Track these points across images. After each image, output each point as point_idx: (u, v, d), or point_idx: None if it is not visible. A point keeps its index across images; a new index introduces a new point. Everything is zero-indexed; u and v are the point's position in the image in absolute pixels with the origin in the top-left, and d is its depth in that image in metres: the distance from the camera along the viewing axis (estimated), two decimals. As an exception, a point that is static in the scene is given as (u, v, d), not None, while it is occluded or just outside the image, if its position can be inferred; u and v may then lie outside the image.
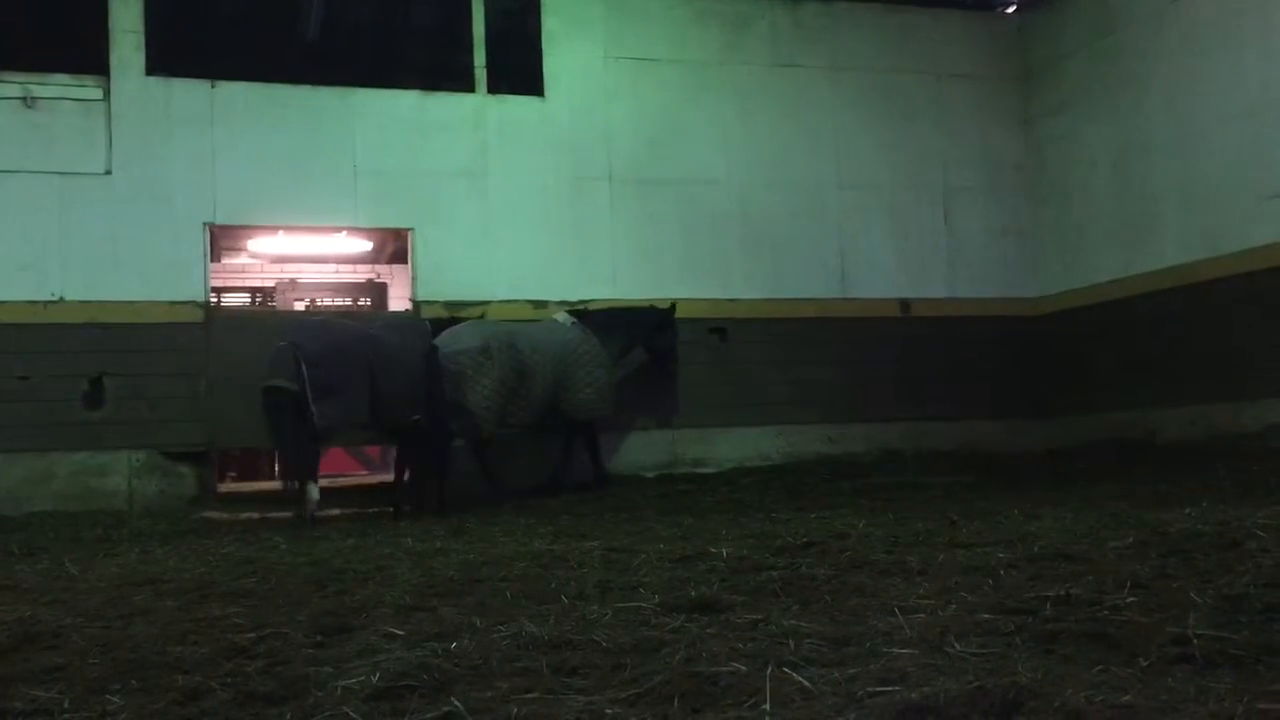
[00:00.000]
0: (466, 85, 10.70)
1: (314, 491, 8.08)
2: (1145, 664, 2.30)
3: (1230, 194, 9.50)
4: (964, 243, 11.71)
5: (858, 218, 11.48)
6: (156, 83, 9.90)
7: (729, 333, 10.86)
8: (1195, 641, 2.39)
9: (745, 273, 11.03)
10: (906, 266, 11.39)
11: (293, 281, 14.55)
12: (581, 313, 9.79)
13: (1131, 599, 2.96)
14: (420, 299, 10.34)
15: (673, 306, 9.98)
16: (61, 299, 9.48)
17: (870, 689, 2.17)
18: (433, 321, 9.48)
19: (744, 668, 2.39)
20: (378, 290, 15.01)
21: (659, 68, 11.16)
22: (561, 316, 9.73)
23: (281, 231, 12.00)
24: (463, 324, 9.44)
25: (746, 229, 11.17)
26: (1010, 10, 12.32)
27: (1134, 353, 10.50)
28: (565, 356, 9.31)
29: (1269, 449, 8.66)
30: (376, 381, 8.28)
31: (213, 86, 10.07)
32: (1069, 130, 11.53)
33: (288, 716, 2.27)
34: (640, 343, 9.99)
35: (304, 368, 8.03)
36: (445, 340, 8.95)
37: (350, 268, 15.09)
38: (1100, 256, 11.05)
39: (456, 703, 2.22)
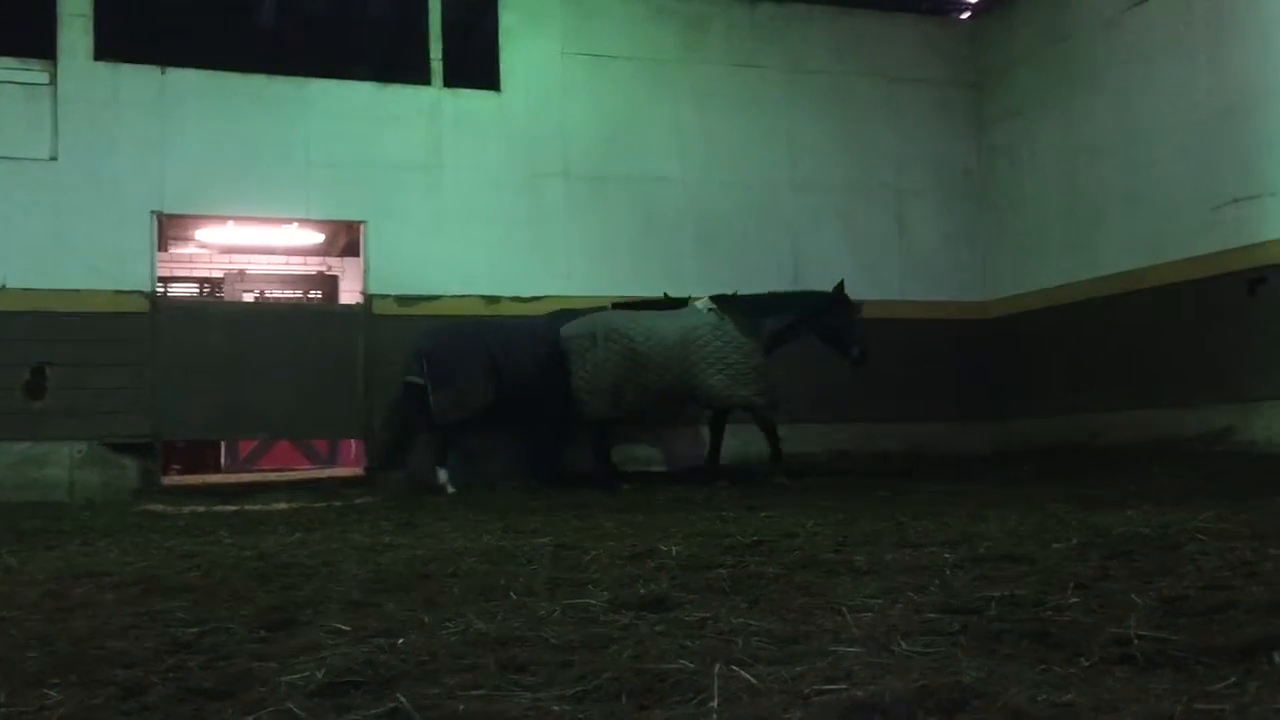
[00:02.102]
0: (422, 78, 10.64)
1: (442, 475, 9.30)
2: (1087, 664, 2.33)
3: (1177, 202, 9.67)
4: (916, 245, 11.82)
5: (811, 218, 11.55)
6: (105, 68, 9.74)
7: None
8: (1136, 642, 2.42)
9: (699, 271, 11.05)
10: (859, 267, 11.45)
11: (241, 273, 14.41)
12: (727, 298, 9.46)
13: (1074, 599, 3.00)
14: (372, 292, 10.27)
15: (840, 284, 9.45)
16: (3, 286, 9.31)
17: (817, 687, 2.18)
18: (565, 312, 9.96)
19: (692, 665, 2.39)
20: (328, 283, 14.90)
21: (616, 64, 11.16)
22: (702, 303, 9.47)
23: (231, 222, 11.88)
24: (591, 313, 9.65)
25: (701, 227, 11.20)
26: (964, 16, 12.45)
27: (1080, 357, 10.65)
28: (688, 343, 9.09)
29: (1209, 453, 8.82)
30: (500, 370, 9.31)
31: (163, 73, 9.93)
32: (1020, 135, 11.67)
33: (229, 712, 2.24)
34: (806, 328, 9.45)
35: (424, 363, 9.31)
36: (565, 327, 9.42)
37: (301, 260, 14.95)
38: (1049, 261, 11.20)
39: (402, 699, 2.20)
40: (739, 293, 9.57)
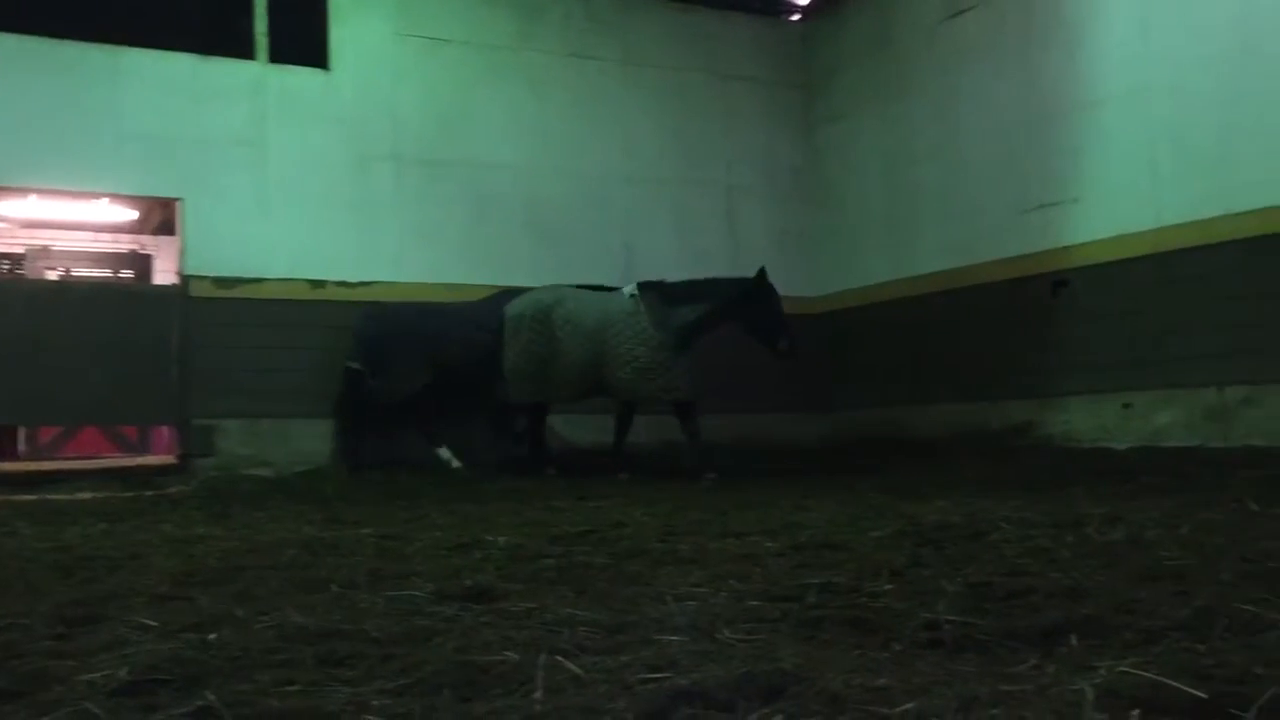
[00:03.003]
0: (246, 52, 10.24)
1: (444, 453, 9.63)
2: (899, 648, 2.41)
3: (988, 206, 10.13)
4: (745, 240, 12.04)
5: (644, 210, 11.64)
6: (-105, 25, 9.04)
7: (512, 320, 10.78)
8: (945, 627, 2.52)
9: (531, 260, 11.00)
10: (690, 261, 11.56)
11: (45, 249, 13.62)
12: (655, 284, 8.87)
13: (888, 586, 3.11)
14: (188, 273, 9.84)
15: (762, 271, 8.69)
16: None
17: (641, 676, 2.19)
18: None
19: (516, 656, 2.37)
20: (141, 262, 14.23)
21: (450, 48, 10.99)
22: (629, 288, 8.92)
23: (34, 195, 11.18)
24: (534, 290, 9.32)
25: (533, 216, 11.15)
26: (794, 18, 12.74)
27: (899, 353, 11.07)
28: (603, 331, 8.62)
29: (1013, 446, 9.29)
30: (433, 353, 9.46)
31: (-38, 35, 9.27)
32: (845, 137, 12.03)
33: (22, 714, 2.10)
34: (726, 317, 8.71)
35: (360, 348, 9.54)
36: (507, 307, 9.15)
37: (111, 237, 14.23)
38: (871, 259, 11.59)
39: (211, 697, 2.11)
40: (665, 279, 9.02)
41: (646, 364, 8.49)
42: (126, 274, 14.14)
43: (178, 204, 10.01)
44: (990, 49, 10.19)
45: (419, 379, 9.54)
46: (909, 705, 1.93)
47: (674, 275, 9.70)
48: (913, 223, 11.10)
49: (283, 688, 2.22)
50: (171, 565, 4.07)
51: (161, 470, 9.61)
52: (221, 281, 9.83)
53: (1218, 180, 8.08)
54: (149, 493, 8.06)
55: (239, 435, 9.73)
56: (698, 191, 11.97)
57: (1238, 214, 7.92)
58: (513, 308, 9.10)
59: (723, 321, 8.70)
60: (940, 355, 10.56)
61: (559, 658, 2.35)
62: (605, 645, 2.52)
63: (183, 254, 9.94)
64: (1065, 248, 9.33)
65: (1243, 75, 7.96)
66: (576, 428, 10.59)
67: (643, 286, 8.80)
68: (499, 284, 10.70)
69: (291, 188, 10.22)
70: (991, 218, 10.07)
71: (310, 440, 9.89)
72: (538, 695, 2.10)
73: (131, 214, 13.02)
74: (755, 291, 8.61)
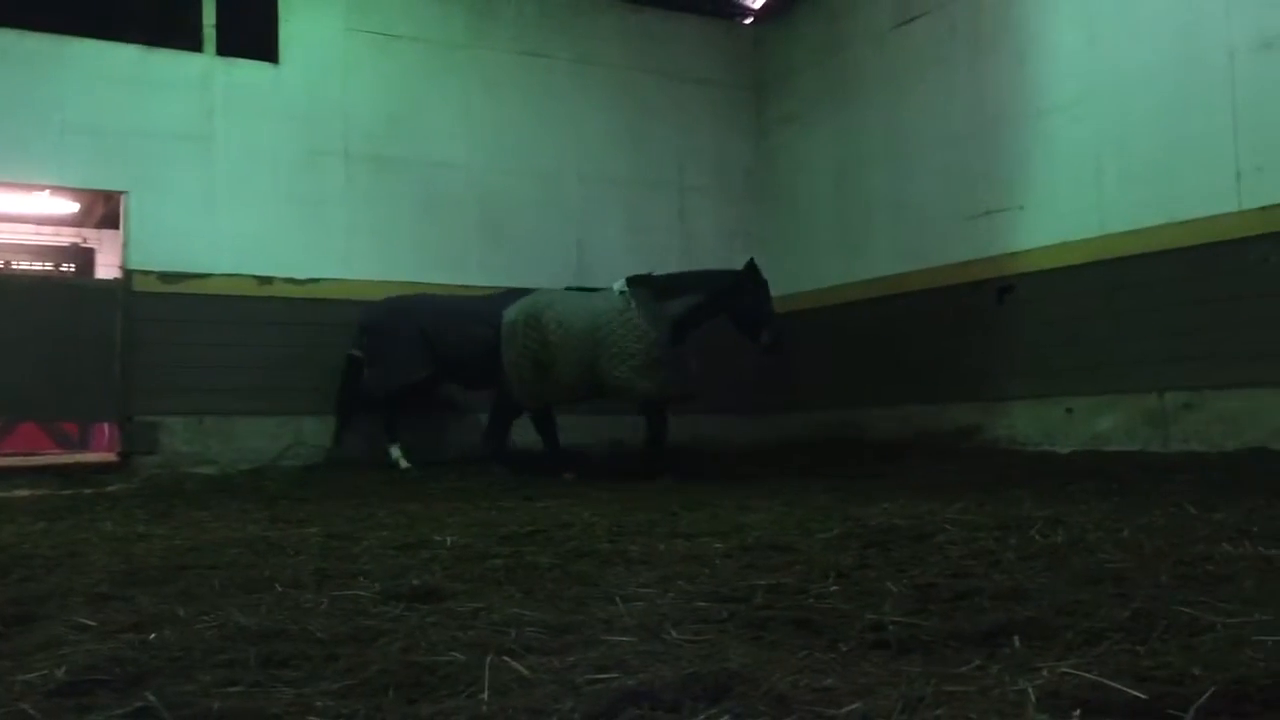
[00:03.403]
0: (194, 44, 10.10)
1: (394, 451, 9.61)
2: (845, 649, 2.43)
3: (937, 211, 10.24)
4: (697, 241, 12.07)
5: (596, 210, 11.64)
6: None
7: (463, 319, 10.74)
8: (890, 628, 2.54)
9: (482, 259, 10.96)
10: (642, 261, 11.53)
11: (-16, 241, 13.36)
12: (640, 279, 8.62)
13: (835, 588, 3.13)
14: (132, 267, 9.69)
15: (751, 262, 8.46)
16: None
17: (589, 676, 2.19)
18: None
19: (463, 657, 2.36)
20: (83, 256, 13.99)
21: (402, 45, 10.91)
22: (618, 284, 8.66)
23: (-28, 186, 10.95)
24: (530, 294, 9.15)
25: (485, 215, 11.11)
26: (747, 21, 12.80)
27: (849, 355, 11.14)
28: (595, 330, 8.38)
29: (960, 449, 9.40)
30: (433, 348, 9.48)
31: (-103, 20, 9.06)
32: (797, 140, 12.10)
33: (-46, 717, 2.06)
34: (715, 310, 8.45)
35: (363, 337, 9.62)
36: (506, 310, 9.07)
37: (53, 230, 13.98)
38: (823, 262, 11.66)
39: (151, 698, 2.07)
40: (653, 273, 8.83)
41: (644, 361, 8.25)
42: (68, 268, 13.89)
43: (122, 197, 9.85)
44: (940, 56, 10.30)
45: (416, 372, 9.54)
46: (854, 705, 1.94)
47: (628, 274, 9.71)
48: (864, 226, 11.19)
49: (225, 688, 2.20)
50: (111, 564, 4.01)
51: (102, 468, 9.45)
52: (166, 276, 9.69)
53: (1160, 189, 8.22)
54: (88, 491, 7.92)
55: (183, 433, 9.60)
56: (650, 192, 11.98)
57: (1180, 222, 8.07)
58: (508, 313, 8.96)
59: (713, 314, 8.48)
60: (891, 358, 10.65)
61: (506, 658, 2.34)
62: (552, 646, 2.51)
63: (126, 248, 9.78)
64: (1011, 254, 9.44)
65: (1186, 86, 8.11)
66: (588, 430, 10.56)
67: (632, 282, 8.58)
68: (450, 283, 10.67)
69: (239, 183, 10.10)
70: (940, 223, 10.18)
71: (256, 438, 9.79)
72: (484, 696, 2.09)
73: (74, 207, 12.80)
74: (745, 283, 8.38)
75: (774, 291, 12.00)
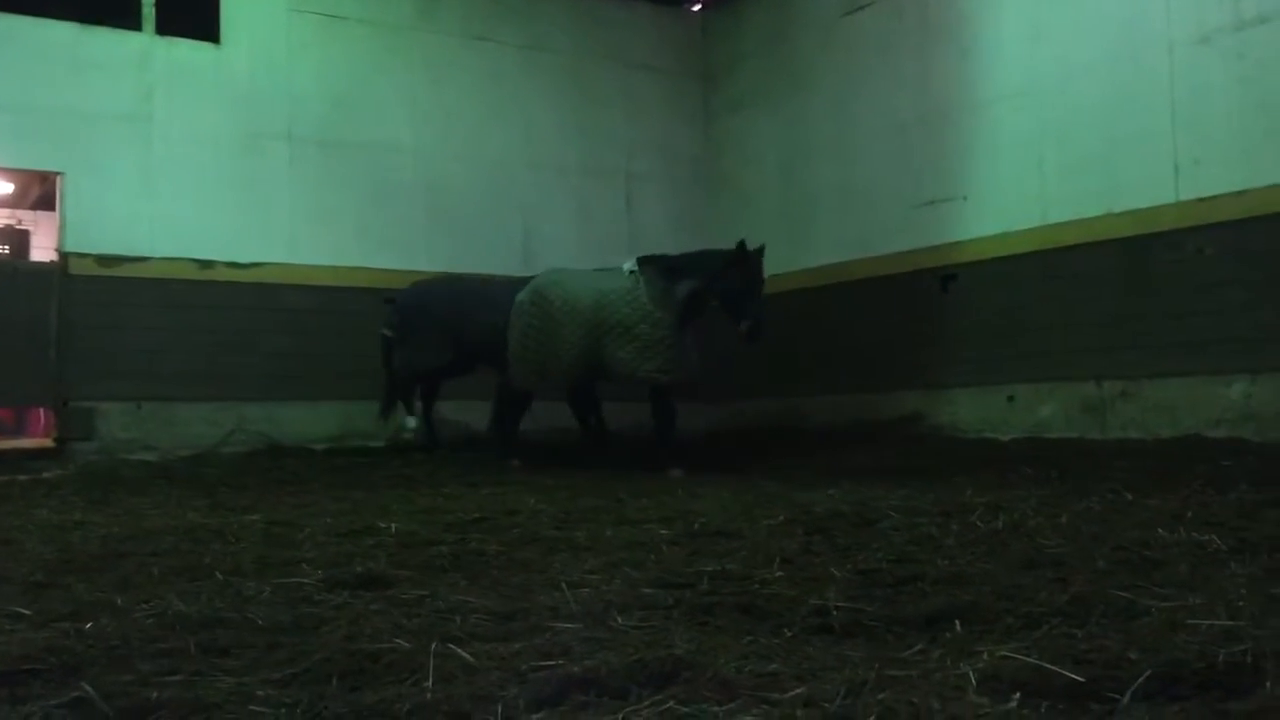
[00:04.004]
0: (132, 22, 9.89)
1: (410, 421, 9.91)
2: (790, 634, 2.45)
3: (881, 200, 10.31)
4: (644, 228, 12.07)
5: (543, 197, 11.59)
6: None
7: (409, 305, 10.65)
8: (834, 613, 2.57)
9: (428, 245, 10.88)
10: (589, 248, 11.58)
11: (-87, 221, 13.02)
12: (655, 258, 8.20)
13: (780, 573, 3.15)
14: (68, 250, 9.48)
15: (741, 243, 7.84)
16: None
17: (534, 664, 2.19)
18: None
19: (407, 644, 2.35)
20: (18, 238, 13.69)
21: (348, 26, 10.77)
22: (629, 263, 8.28)
23: (-98, 164, 10.66)
24: (547, 271, 8.96)
25: (432, 200, 11.01)
26: (695, 9, 12.79)
27: (792, 343, 11.18)
28: (601, 309, 8.02)
29: (901, 436, 9.49)
30: (457, 331, 9.37)
31: None
32: (743, 128, 12.13)
33: (-118, 709, 2.01)
34: (713, 291, 7.92)
35: (395, 316, 9.69)
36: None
37: (-14, 211, 13.67)
38: (769, 250, 11.62)
39: (87, 687, 2.04)
40: (665, 254, 8.37)
41: (648, 342, 7.90)
42: (2, 250, 13.58)
43: (58, 178, 9.63)
44: (886, 46, 10.36)
45: (439, 356, 9.51)
46: (798, 690, 1.96)
47: (572, 263, 9.69)
48: (809, 215, 11.24)
49: (163, 678, 2.16)
50: (47, 552, 3.94)
51: (37, 454, 9.25)
52: (104, 259, 9.51)
53: (1101, 180, 8.35)
54: (23, 477, 7.75)
55: (120, 419, 9.44)
56: (598, 179, 11.96)
57: (1118, 214, 8.20)
58: (523, 291, 8.70)
59: (713, 296, 7.96)
60: (835, 346, 10.72)
61: (451, 645, 2.33)
62: (498, 633, 2.51)
63: (63, 230, 9.57)
64: (955, 243, 9.54)
65: (1127, 80, 8.23)
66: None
67: (642, 261, 8.21)
68: (397, 268, 10.57)
69: (179, 164, 9.92)
70: (884, 212, 10.25)
71: (196, 424, 9.65)
72: (428, 684, 2.08)
73: (8, 188, 12.51)
74: (735, 263, 7.84)
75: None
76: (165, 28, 9.98)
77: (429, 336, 9.51)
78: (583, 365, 8.23)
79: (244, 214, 10.13)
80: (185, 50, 10.06)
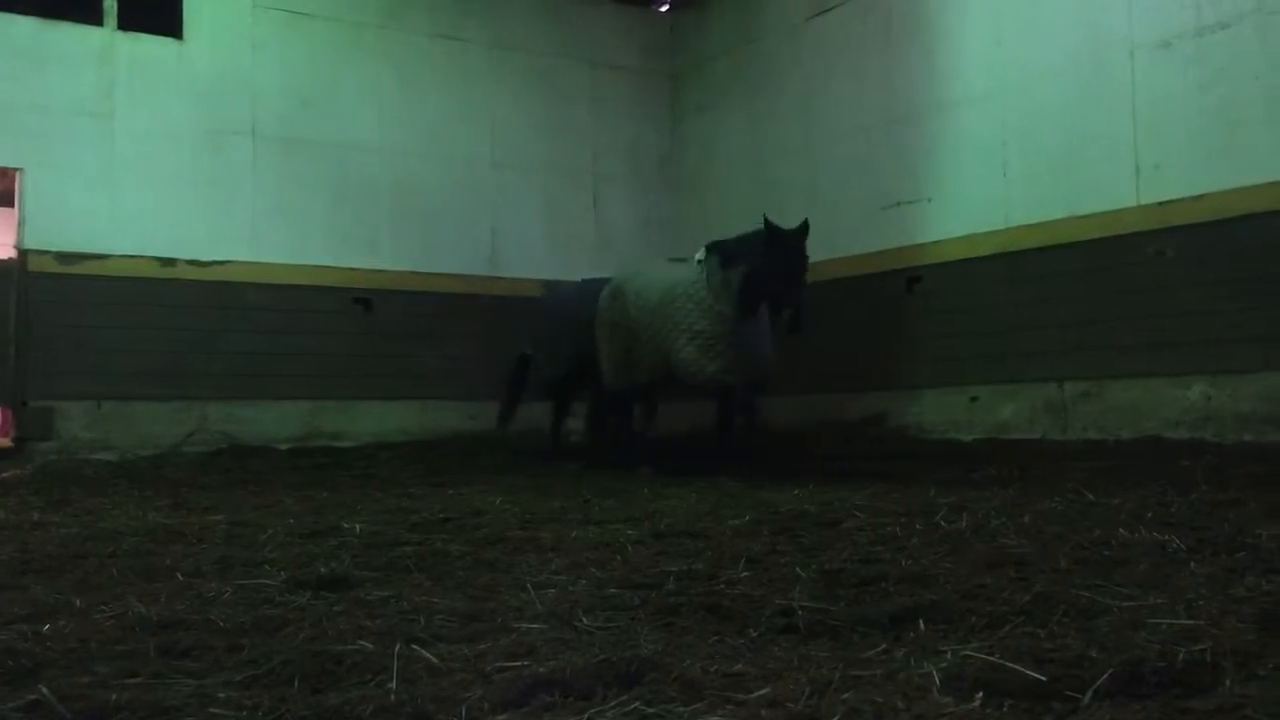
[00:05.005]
0: (94, 17, 9.76)
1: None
2: (755, 634, 2.45)
3: (847, 201, 10.36)
4: (610, 229, 12.07)
5: (510, 197, 11.55)
6: None
7: (374, 304, 10.60)
8: (799, 613, 2.57)
9: (394, 243, 10.82)
10: (555, 248, 11.59)
11: None
12: (717, 244, 7.42)
13: (745, 574, 3.16)
14: (27, 247, 9.35)
15: (765, 220, 7.09)
16: None
17: (499, 664, 2.18)
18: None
19: (371, 646, 2.33)
20: (-24, 234, 13.45)
21: (313, 24, 10.69)
22: (699, 252, 7.49)
23: None
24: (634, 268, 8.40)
25: (398, 199, 10.95)
26: (663, 9, 12.80)
27: (759, 344, 11.21)
28: (668, 303, 7.30)
29: (868, 436, 9.54)
30: (580, 337, 8.44)
31: None
32: (711, 129, 12.15)
33: None
34: (758, 276, 7.04)
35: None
36: None
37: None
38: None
39: (45, 690, 2.01)
40: (725, 237, 7.68)
41: (709, 340, 7.09)
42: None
43: (17, 174, 9.50)
44: (852, 48, 10.41)
45: (561, 365, 8.89)
46: (764, 690, 1.96)
47: (540, 263, 9.67)
48: (776, 215, 11.10)
49: (123, 680, 2.14)
50: (5, 553, 3.88)
51: (-6, 454, 9.14)
52: (64, 257, 9.38)
53: (1063, 184, 8.43)
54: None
55: (81, 418, 9.32)
56: (564, 178, 11.93)
57: (1080, 217, 8.28)
58: (603, 291, 8.24)
59: (759, 283, 7.07)
60: (800, 347, 10.72)
61: (415, 646, 2.32)
62: (463, 634, 2.49)
63: (22, 227, 9.43)
64: (919, 245, 9.59)
65: (1089, 84, 8.31)
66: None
67: (709, 249, 7.45)
68: (362, 267, 10.52)
69: (141, 161, 9.81)
70: (850, 214, 10.30)
71: (158, 424, 9.54)
72: (392, 685, 2.06)
73: (-35, 183, 12.32)
74: (768, 246, 6.96)
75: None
76: (127, 23, 9.86)
77: (555, 346, 8.96)
78: (660, 368, 7.52)
79: (207, 211, 10.03)
80: (147, 45, 9.95)
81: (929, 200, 9.57)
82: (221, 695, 2.03)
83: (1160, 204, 7.79)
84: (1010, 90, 8.91)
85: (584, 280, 9.48)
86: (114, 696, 2.00)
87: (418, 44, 11.23)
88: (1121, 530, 3.66)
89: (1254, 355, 7.21)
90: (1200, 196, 7.56)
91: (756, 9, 11.58)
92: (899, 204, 9.83)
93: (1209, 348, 7.46)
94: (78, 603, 2.90)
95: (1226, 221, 7.40)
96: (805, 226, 6.98)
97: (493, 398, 9.85)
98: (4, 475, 7.84)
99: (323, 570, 3.36)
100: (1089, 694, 1.88)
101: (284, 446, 9.72)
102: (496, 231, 11.42)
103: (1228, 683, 1.91)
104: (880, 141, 10.06)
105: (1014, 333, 8.72)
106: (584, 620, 2.59)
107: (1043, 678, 1.94)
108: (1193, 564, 3.06)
